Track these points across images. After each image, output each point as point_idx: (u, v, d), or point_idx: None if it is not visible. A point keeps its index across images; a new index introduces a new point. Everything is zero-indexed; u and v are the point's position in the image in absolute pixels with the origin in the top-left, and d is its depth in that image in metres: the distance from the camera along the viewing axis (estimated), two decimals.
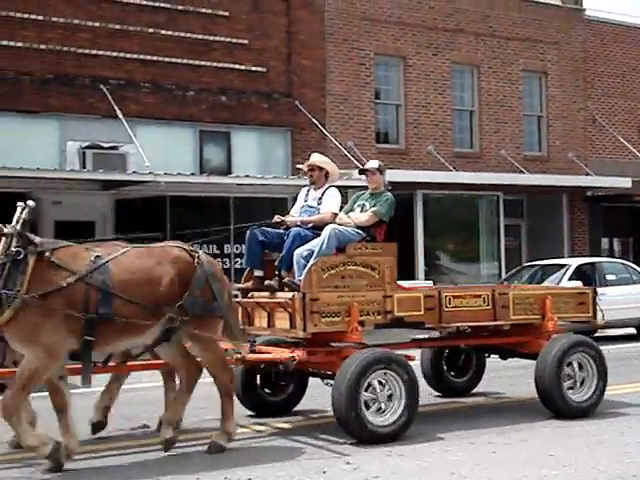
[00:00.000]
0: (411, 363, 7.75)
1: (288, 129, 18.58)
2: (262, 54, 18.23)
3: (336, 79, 19.21)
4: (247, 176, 16.78)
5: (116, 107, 16.07)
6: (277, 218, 8.40)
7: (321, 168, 8.54)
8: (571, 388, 8.37)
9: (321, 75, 18.93)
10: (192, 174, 16.72)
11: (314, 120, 18.34)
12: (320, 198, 8.43)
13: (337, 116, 19.19)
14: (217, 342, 7.17)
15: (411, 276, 19.77)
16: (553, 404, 8.29)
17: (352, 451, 7.04)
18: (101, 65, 16.54)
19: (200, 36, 17.54)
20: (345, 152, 18.66)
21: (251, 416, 8.61)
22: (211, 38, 17.67)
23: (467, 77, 21.18)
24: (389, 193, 8.41)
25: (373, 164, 8.62)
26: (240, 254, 18.19)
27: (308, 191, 8.62)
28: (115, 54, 16.68)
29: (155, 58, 17.05)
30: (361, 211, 8.35)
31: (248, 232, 8.32)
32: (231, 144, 18.04)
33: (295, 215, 8.52)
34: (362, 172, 8.66)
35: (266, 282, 7.97)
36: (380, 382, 7.42)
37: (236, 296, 8.07)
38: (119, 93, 16.48)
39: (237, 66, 17.91)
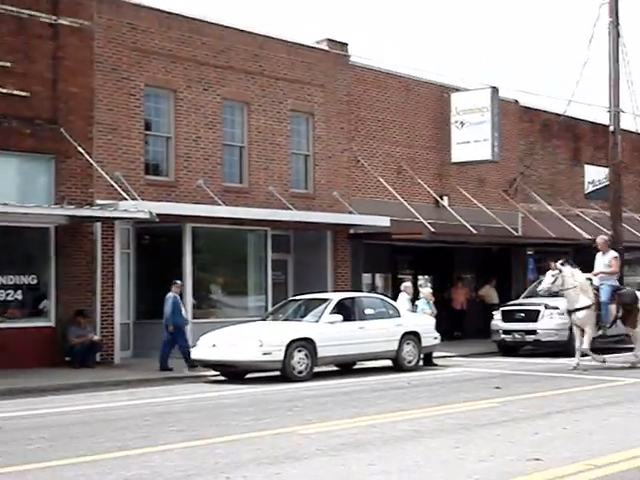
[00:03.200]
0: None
1: (52, 156, 17.93)
2: (26, 78, 17.50)
3: (104, 108, 18.83)
4: (6, 204, 15.98)
5: None
6: None
7: None
8: None
9: (89, 103, 18.48)
10: None
11: (80, 148, 17.83)
12: None
13: (105, 145, 18.79)
14: None
15: None
16: None
17: None
18: None
19: None
20: (112, 183, 18.28)
21: None
22: None
23: (237, 113, 21.49)
24: None
25: None
26: None
27: None
28: None
29: None
30: None
31: None
32: None
33: None
34: None
35: None
36: None
37: None
38: None
39: None
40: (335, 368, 17.82)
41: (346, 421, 10.27)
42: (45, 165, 18.00)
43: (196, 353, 16.22)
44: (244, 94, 21.41)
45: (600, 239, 18.25)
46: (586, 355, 17.13)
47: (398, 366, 17.53)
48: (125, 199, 18.01)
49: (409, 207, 23.84)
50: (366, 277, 24.97)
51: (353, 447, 8.57)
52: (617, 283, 17.95)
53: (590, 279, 17.51)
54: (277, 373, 15.73)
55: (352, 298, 17.87)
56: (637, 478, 7.03)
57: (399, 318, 17.86)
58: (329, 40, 23.46)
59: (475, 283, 28.29)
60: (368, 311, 17.55)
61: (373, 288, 25.12)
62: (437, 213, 25.42)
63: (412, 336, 17.80)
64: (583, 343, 17.04)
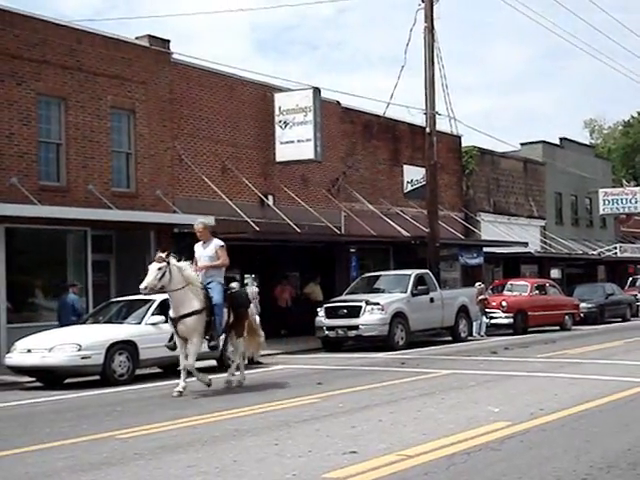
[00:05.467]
0: None
1: None
2: None
3: None
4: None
5: None
6: None
7: None
8: None
9: None
10: None
11: None
12: None
13: None
14: None
15: None
16: None
17: None
18: None
19: None
20: None
21: None
22: None
23: (54, 109, 20.69)
24: None
25: None
26: None
27: None
28: None
29: None
30: None
31: None
32: None
33: None
34: None
35: None
36: None
37: None
38: None
39: None
40: (158, 370, 17.53)
41: (166, 423, 10.12)
42: None
43: (11, 359, 15.51)
44: (61, 89, 20.65)
45: (198, 225, 13.90)
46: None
47: (223, 365, 17.45)
48: None
49: (234, 206, 23.82)
50: None
51: (172, 449, 8.46)
52: (223, 280, 13.92)
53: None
54: (97, 377, 15.31)
55: None
56: (446, 466, 7.32)
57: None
58: (150, 36, 23.05)
59: (300, 281, 28.68)
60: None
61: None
62: (262, 212, 25.56)
63: None
64: (188, 358, 13.03)
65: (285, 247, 26.86)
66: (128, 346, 15.54)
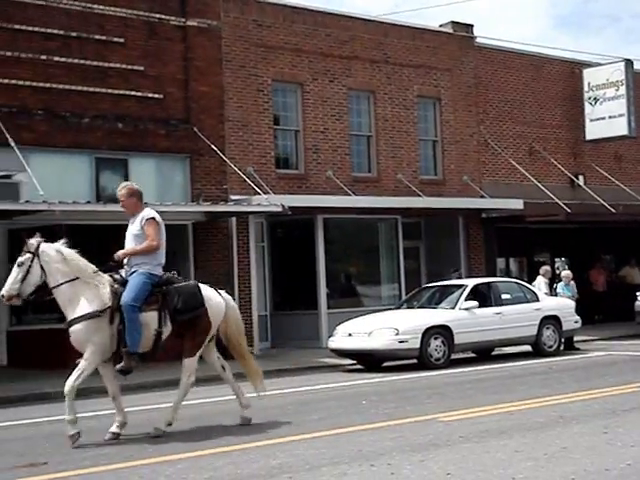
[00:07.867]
0: None
1: (187, 155, 18.49)
2: (159, 80, 18.11)
3: (234, 105, 19.26)
4: (146, 204, 16.50)
5: (8, 135, 15.69)
6: None
7: None
8: None
9: (219, 101, 18.93)
10: (88, 202, 16.43)
11: (213, 146, 18.31)
12: None
13: (236, 142, 19.22)
14: None
15: (313, 300, 19.91)
16: None
17: None
18: None
19: (94, 62, 17.33)
20: (245, 178, 18.68)
21: None
22: (106, 65, 17.49)
23: (363, 103, 21.54)
24: None
25: None
26: None
27: None
28: (7, 81, 16.30)
29: (48, 85, 16.74)
30: None
31: None
32: (128, 171, 17.80)
33: None
34: None
35: None
36: None
37: None
38: (11, 121, 16.09)
39: (133, 93, 17.74)
40: (472, 355, 17.60)
41: (487, 408, 10.13)
42: (180, 164, 18.57)
43: (333, 342, 16.37)
44: (370, 83, 21.43)
45: (120, 191, 9.42)
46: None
47: (538, 351, 17.16)
48: (258, 193, 18.37)
49: (543, 188, 23.27)
50: (499, 262, 24.55)
51: (496, 434, 8.45)
52: (160, 270, 9.12)
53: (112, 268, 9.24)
54: (414, 361, 15.70)
55: (487, 283, 17.61)
56: None
57: (537, 302, 17.49)
58: (453, 23, 23.18)
59: (614, 264, 27.34)
60: (505, 296, 17.27)
61: (507, 273, 24.65)
62: (572, 193, 24.71)
63: (552, 320, 17.40)
64: (69, 379, 8.67)
65: (597, 229, 25.70)
66: (443, 331, 15.76)
